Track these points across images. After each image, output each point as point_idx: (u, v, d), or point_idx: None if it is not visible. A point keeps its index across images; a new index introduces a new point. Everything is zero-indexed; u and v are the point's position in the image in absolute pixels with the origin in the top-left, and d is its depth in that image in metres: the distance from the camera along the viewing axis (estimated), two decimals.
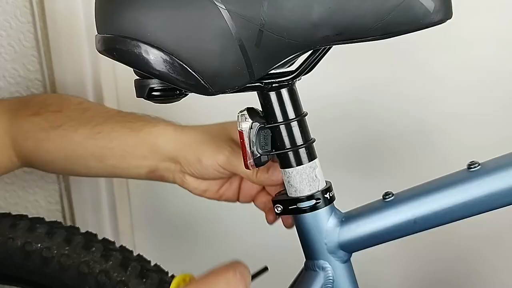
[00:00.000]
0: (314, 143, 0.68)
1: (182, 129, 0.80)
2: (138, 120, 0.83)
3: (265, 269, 0.71)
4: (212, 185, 0.80)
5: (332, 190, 0.69)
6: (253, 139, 0.66)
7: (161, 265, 0.85)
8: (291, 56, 0.62)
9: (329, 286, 0.70)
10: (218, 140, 0.76)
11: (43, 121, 0.85)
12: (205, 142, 0.77)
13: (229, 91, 0.61)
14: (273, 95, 0.66)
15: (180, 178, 0.79)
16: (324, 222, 0.69)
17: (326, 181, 0.69)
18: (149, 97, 0.64)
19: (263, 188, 0.79)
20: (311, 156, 0.68)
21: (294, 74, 0.66)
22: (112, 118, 0.83)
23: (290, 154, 0.67)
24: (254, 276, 0.68)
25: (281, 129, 0.67)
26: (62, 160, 0.85)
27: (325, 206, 0.68)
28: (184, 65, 0.59)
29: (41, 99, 0.91)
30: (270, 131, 0.67)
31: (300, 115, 0.67)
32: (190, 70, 0.59)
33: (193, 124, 0.81)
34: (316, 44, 0.62)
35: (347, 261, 0.71)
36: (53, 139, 0.84)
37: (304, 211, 0.68)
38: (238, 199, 0.81)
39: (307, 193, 0.68)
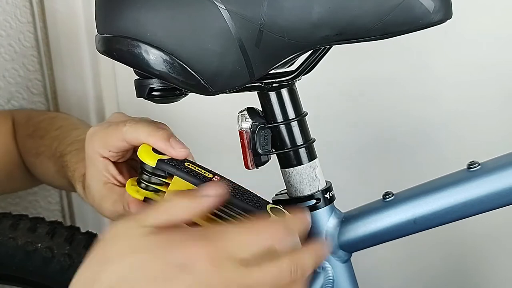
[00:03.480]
0: (314, 143, 0.69)
1: None
2: None
3: None
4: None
5: (332, 190, 0.70)
6: (253, 139, 0.66)
7: None
8: (291, 56, 0.62)
9: (329, 286, 0.69)
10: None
11: (33, 147, 0.91)
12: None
13: (229, 91, 0.61)
14: (273, 95, 0.66)
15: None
16: (324, 222, 0.69)
17: (326, 181, 0.69)
18: (149, 97, 0.64)
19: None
20: (311, 156, 0.68)
21: (294, 74, 0.66)
22: (73, 145, 0.83)
23: (290, 154, 0.67)
24: None
25: (281, 129, 0.67)
26: (49, 183, 0.93)
27: (325, 206, 0.68)
28: (184, 65, 0.59)
29: (37, 121, 0.95)
30: (270, 131, 0.67)
31: (300, 115, 0.67)
32: (190, 70, 0.59)
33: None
34: (316, 44, 0.62)
35: (347, 261, 0.71)
36: (39, 166, 0.90)
37: None
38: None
39: (307, 193, 0.68)
